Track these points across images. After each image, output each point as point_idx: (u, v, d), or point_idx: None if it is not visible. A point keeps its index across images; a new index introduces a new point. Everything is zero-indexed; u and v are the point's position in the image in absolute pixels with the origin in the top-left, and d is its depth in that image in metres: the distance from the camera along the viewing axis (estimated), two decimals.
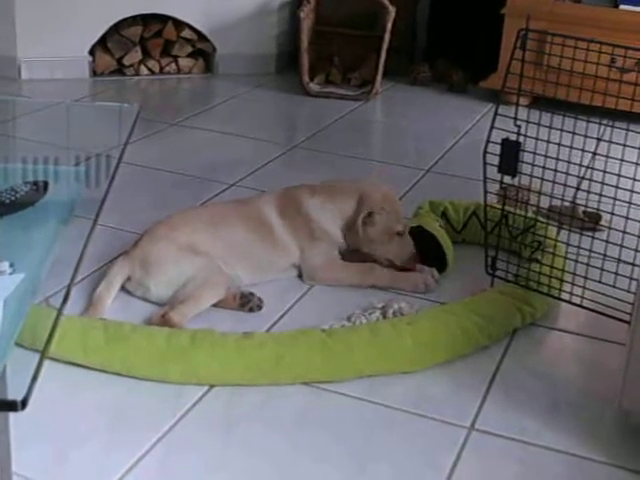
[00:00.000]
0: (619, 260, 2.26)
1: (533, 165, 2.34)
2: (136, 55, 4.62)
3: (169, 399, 1.99)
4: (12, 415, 1.51)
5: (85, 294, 2.35)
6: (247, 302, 2.36)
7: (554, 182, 2.34)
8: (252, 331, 2.16)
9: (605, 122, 2.27)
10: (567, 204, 2.63)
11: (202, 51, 4.78)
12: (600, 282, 2.30)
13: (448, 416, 1.99)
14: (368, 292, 2.50)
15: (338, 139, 3.88)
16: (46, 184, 1.72)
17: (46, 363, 1.12)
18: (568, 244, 2.42)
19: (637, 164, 2.20)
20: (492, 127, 2.31)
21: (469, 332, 2.22)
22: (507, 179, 2.42)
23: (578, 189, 2.41)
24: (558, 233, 2.64)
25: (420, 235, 2.61)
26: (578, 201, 2.56)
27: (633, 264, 2.24)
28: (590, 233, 2.51)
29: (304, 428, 1.93)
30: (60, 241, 1.51)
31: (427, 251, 2.60)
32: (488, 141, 2.32)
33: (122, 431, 1.88)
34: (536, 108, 2.30)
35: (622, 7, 4.14)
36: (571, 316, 2.45)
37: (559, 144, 2.29)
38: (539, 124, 2.29)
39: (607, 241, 2.30)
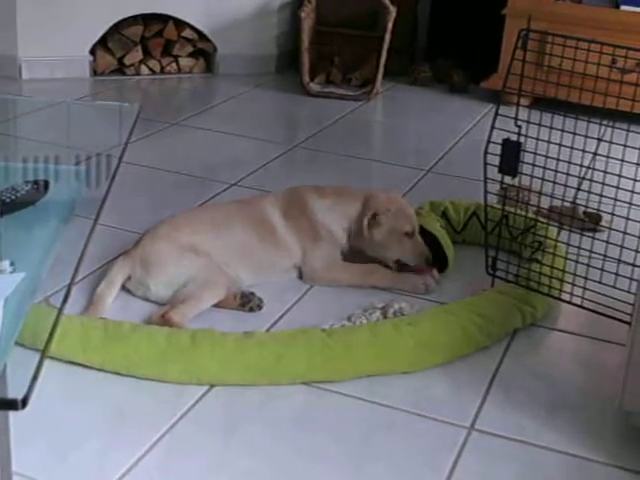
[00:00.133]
0: (619, 261, 2.26)
1: (534, 165, 2.34)
2: (137, 55, 4.62)
3: (169, 399, 1.99)
4: (12, 414, 1.51)
5: (85, 293, 2.35)
6: (247, 302, 2.36)
7: (555, 182, 2.34)
8: (252, 331, 2.16)
9: (606, 123, 2.27)
10: (567, 204, 2.63)
11: (203, 51, 4.78)
12: (600, 283, 2.30)
13: (448, 416, 1.99)
14: (369, 292, 2.50)
15: (338, 139, 3.88)
16: (47, 183, 1.72)
17: (46, 362, 1.12)
18: (568, 244, 2.42)
19: (638, 165, 2.20)
20: (493, 127, 2.31)
21: (469, 332, 2.22)
22: (508, 179, 2.42)
23: (579, 189, 2.41)
24: (558, 233, 2.64)
25: (421, 235, 2.61)
26: (579, 201, 2.56)
27: (633, 265, 2.24)
28: (590, 234, 2.51)
29: (304, 428, 1.93)
30: (60, 240, 1.51)
31: None
32: (489, 141, 2.32)
33: (122, 430, 1.88)
34: (537, 108, 2.30)
35: (623, 8, 4.14)
36: (571, 316, 2.45)
37: (560, 144, 2.29)
38: (540, 124, 2.29)
39: (607, 242, 2.30)
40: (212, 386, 2.04)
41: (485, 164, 2.36)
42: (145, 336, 2.08)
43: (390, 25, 4.38)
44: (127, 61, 4.61)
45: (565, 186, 2.34)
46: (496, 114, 2.31)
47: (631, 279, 2.22)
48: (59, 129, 2.28)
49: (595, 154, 2.26)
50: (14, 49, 4.36)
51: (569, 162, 2.29)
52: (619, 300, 2.25)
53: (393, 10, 4.40)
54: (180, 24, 4.64)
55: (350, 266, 2.57)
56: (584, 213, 2.74)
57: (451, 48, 4.78)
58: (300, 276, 2.57)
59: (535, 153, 2.33)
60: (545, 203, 2.57)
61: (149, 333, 2.10)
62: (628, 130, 2.19)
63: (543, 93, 2.32)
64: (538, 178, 2.36)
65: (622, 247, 2.27)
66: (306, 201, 2.58)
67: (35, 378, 1.08)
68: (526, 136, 2.30)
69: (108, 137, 1.84)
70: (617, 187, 2.23)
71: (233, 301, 2.36)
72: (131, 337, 2.07)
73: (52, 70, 4.41)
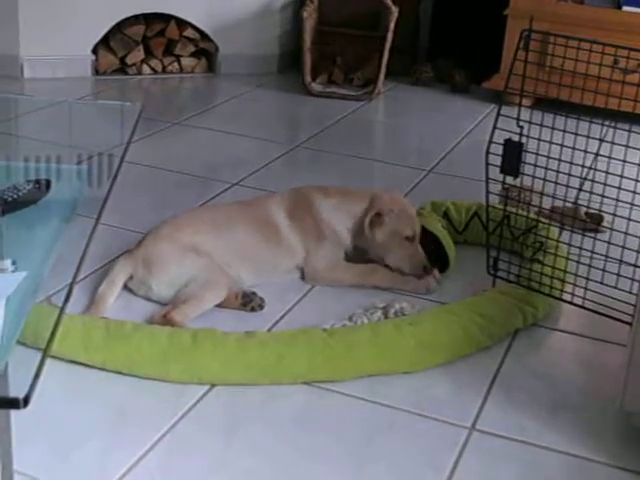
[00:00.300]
0: (621, 261, 2.26)
1: (535, 166, 2.34)
2: (139, 54, 4.62)
3: (170, 398, 1.99)
4: (14, 413, 1.51)
5: (87, 293, 2.35)
6: (249, 302, 2.36)
7: (556, 183, 2.34)
8: (254, 330, 2.16)
9: (607, 123, 2.28)
10: (569, 205, 2.63)
11: (205, 50, 4.78)
12: (602, 283, 2.30)
13: (449, 416, 1.99)
14: (370, 292, 2.50)
15: (340, 139, 3.88)
16: (48, 183, 1.73)
17: (48, 361, 1.13)
18: (570, 245, 2.41)
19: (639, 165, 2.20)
20: (494, 128, 2.31)
21: (470, 332, 2.22)
22: (509, 180, 2.42)
23: (580, 190, 2.41)
24: (560, 234, 2.64)
25: (422, 235, 2.61)
26: (580, 202, 2.56)
27: (635, 265, 2.24)
28: (592, 234, 2.51)
29: (305, 427, 1.93)
30: (62, 239, 1.51)
31: (429, 251, 2.59)
32: (490, 142, 2.32)
33: (123, 429, 1.89)
34: (539, 109, 2.30)
35: (625, 8, 4.14)
36: (572, 317, 2.45)
37: (561, 145, 2.29)
38: (542, 125, 2.28)
39: (609, 242, 2.30)
40: (213, 386, 2.04)
41: (487, 164, 2.36)
42: (147, 336, 2.09)
43: (392, 25, 4.38)
44: (129, 60, 4.61)
45: (567, 187, 2.34)
46: (498, 114, 2.31)
47: (632, 280, 2.22)
48: (61, 128, 2.29)
49: (597, 155, 2.26)
50: (16, 48, 4.36)
51: (571, 163, 2.29)
52: (620, 301, 2.25)
53: (395, 10, 4.40)
54: (182, 24, 4.64)
55: (352, 266, 2.57)
56: (586, 214, 2.74)
57: (453, 48, 4.78)
58: (302, 276, 2.57)
59: (537, 153, 2.33)
60: (547, 204, 2.57)
61: (151, 333, 2.10)
62: (630, 131, 2.19)
63: (545, 93, 2.32)
64: (540, 178, 2.36)
65: (624, 248, 2.27)
66: (312, 201, 2.58)
67: (37, 377, 1.08)
68: (528, 136, 2.30)
69: (110, 136, 1.85)
70: (619, 188, 2.23)
71: (234, 301, 2.36)
72: (133, 337, 2.08)
73: (54, 69, 4.41)
